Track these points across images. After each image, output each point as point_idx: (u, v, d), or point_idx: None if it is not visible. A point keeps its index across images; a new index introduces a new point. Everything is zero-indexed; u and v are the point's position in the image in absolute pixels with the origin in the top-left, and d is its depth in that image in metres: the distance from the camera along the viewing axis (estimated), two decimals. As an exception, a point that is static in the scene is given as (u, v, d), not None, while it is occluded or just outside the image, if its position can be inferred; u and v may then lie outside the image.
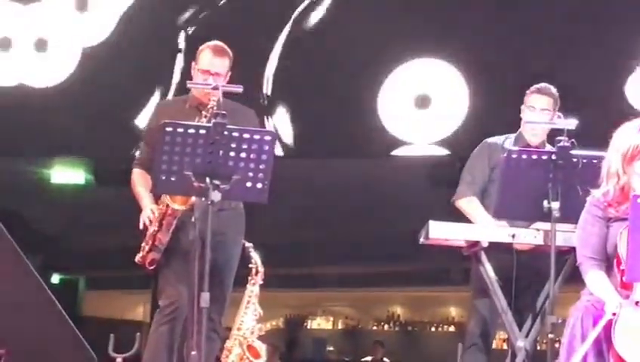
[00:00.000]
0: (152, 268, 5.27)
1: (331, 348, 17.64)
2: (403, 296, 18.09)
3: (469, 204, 5.55)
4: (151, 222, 5.21)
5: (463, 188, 5.62)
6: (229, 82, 5.31)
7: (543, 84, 5.64)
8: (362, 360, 15.40)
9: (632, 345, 4.08)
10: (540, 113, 5.53)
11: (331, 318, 18.95)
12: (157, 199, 5.24)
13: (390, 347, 15.91)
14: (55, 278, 13.84)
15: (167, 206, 5.15)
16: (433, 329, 18.28)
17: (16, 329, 4.00)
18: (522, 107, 5.64)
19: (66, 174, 10.06)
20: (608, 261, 4.34)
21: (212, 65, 5.32)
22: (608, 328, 4.15)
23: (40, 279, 4.13)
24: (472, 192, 5.57)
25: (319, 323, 18.98)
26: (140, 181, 5.37)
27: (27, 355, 3.99)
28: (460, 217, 5.59)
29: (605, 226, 4.36)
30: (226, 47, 5.45)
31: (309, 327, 18.91)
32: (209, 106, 5.04)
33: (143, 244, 5.28)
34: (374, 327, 18.51)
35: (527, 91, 5.64)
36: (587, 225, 4.41)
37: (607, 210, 4.37)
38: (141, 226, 5.24)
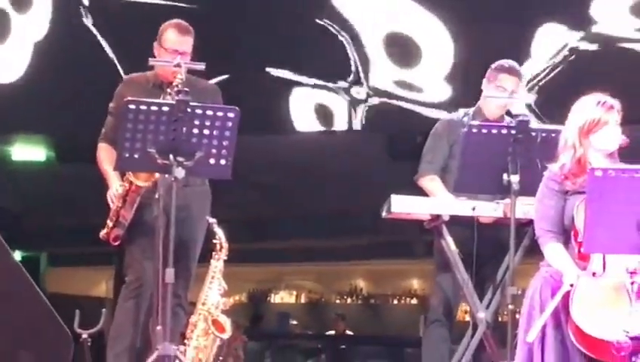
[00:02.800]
0: (116, 244, 5.28)
1: (295, 322, 17.67)
2: (365, 269, 18.15)
3: (430, 182, 5.61)
4: (114, 199, 5.23)
5: (425, 166, 5.67)
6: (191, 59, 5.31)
7: (510, 63, 5.64)
8: (326, 333, 15.49)
9: (589, 316, 4.16)
10: (507, 93, 5.56)
11: (294, 292, 18.99)
12: (123, 176, 5.25)
13: (353, 320, 15.99)
14: (17, 255, 13.79)
15: (131, 183, 5.16)
16: (396, 301, 18.37)
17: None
18: (485, 81, 5.67)
19: (27, 151, 10.02)
20: (566, 233, 4.42)
21: (179, 43, 5.31)
22: (566, 299, 4.22)
23: (16, 259, 4.15)
24: (433, 170, 5.63)
25: (282, 297, 19.02)
26: (106, 157, 5.36)
27: (3, 334, 4.01)
28: (420, 191, 5.66)
29: (562, 199, 4.43)
30: (188, 25, 5.44)
31: (272, 302, 18.95)
32: (174, 84, 5.00)
33: (107, 221, 5.29)
34: (337, 301, 18.57)
35: (493, 67, 5.64)
36: (544, 199, 4.48)
37: (564, 182, 4.44)
38: (110, 203, 5.25)
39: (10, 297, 4.07)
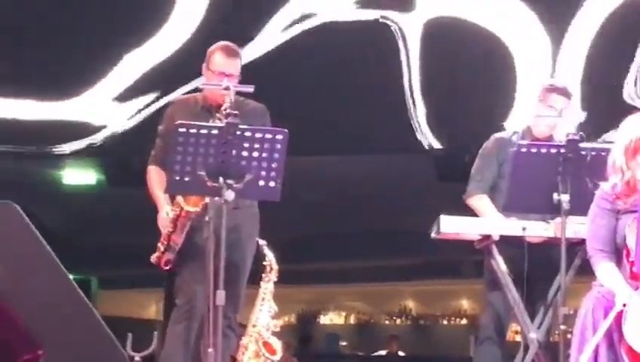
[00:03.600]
0: (167, 268, 5.32)
1: (344, 343, 17.66)
2: (414, 289, 18.11)
3: (479, 202, 5.59)
4: (165, 224, 5.26)
5: (473, 186, 5.66)
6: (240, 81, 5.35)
7: (561, 83, 5.67)
8: (375, 354, 15.45)
9: (643, 335, 4.12)
10: (556, 113, 5.55)
11: (343, 313, 18.99)
12: (173, 198, 5.29)
13: (403, 341, 15.94)
14: (68, 278, 13.88)
15: (181, 208, 5.20)
16: (445, 322, 18.30)
17: (52, 331, 4.07)
18: (536, 101, 5.67)
19: (78, 175, 10.13)
20: (618, 252, 4.39)
21: (226, 66, 5.35)
22: (619, 319, 4.19)
23: (72, 280, 4.20)
24: (482, 190, 5.61)
25: (331, 319, 19.03)
26: (156, 180, 5.40)
27: (63, 357, 4.06)
28: (469, 210, 5.64)
29: (614, 218, 4.40)
30: (236, 47, 5.49)
31: (321, 323, 18.95)
32: (223, 107, 5.03)
33: (158, 245, 5.33)
34: (386, 321, 18.54)
35: (544, 87, 5.65)
36: (596, 218, 4.45)
37: (615, 202, 4.41)
38: (161, 229, 5.28)
39: (69, 319, 4.11)
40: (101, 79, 8.71)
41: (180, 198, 5.18)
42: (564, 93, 5.59)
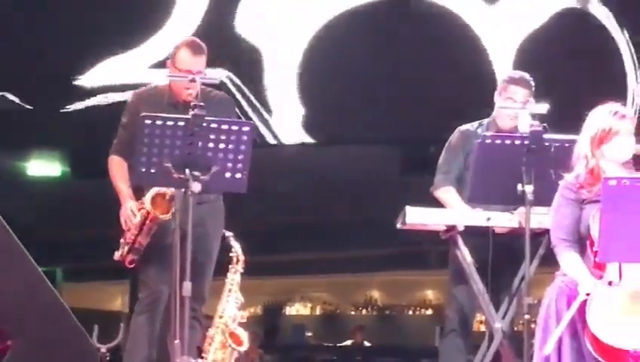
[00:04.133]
0: (131, 266, 5.31)
1: (310, 334, 17.67)
2: (380, 280, 18.14)
3: (446, 193, 5.62)
4: (130, 225, 5.23)
5: (440, 178, 5.68)
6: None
7: (520, 75, 5.67)
8: (341, 344, 15.48)
9: (606, 325, 4.16)
10: (520, 104, 5.58)
11: (309, 304, 19.00)
12: (136, 190, 5.26)
13: (368, 331, 15.97)
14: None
15: (149, 212, 5.17)
16: (410, 312, 18.36)
17: (20, 322, 4.06)
18: (496, 94, 5.70)
19: (43, 166, 10.07)
20: (582, 242, 4.43)
21: (192, 64, 5.29)
22: (583, 308, 4.23)
23: (42, 272, 4.20)
24: (449, 182, 5.64)
25: (298, 309, 19.02)
26: (118, 171, 5.37)
27: (31, 348, 4.05)
28: (434, 202, 5.67)
29: (578, 208, 4.43)
30: (201, 43, 5.44)
31: (287, 314, 18.95)
32: (192, 104, 4.95)
33: (122, 242, 5.30)
34: (352, 312, 18.56)
35: (504, 79, 5.67)
36: (560, 208, 4.48)
37: (579, 191, 4.45)
38: (123, 225, 5.26)
39: (38, 311, 4.11)
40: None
41: (147, 202, 5.15)
42: (523, 84, 5.62)
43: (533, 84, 5.66)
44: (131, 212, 5.22)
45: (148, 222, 5.17)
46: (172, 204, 5.05)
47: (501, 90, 5.65)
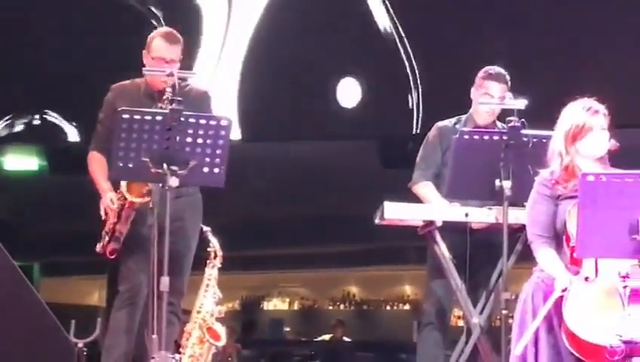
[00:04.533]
0: (112, 257, 5.29)
1: (288, 329, 17.69)
2: (358, 275, 18.19)
3: (424, 189, 5.62)
4: (110, 214, 5.23)
5: (418, 174, 5.69)
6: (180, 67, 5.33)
7: (496, 70, 5.67)
8: (319, 339, 15.49)
9: (583, 320, 4.17)
10: (497, 100, 5.59)
11: (287, 299, 19.02)
12: (115, 185, 5.26)
13: (346, 326, 16.01)
14: (9, 265, 13.72)
15: (125, 198, 5.17)
16: (388, 307, 18.41)
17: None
18: (473, 89, 5.70)
19: (19, 161, 10.02)
20: (558, 238, 4.44)
21: (166, 52, 5.32)
22: (559, 304, 4.24)
23: (18, 267, 4.18)
24: (427, 178, 5.65)
25: (275, 304, 19.04)
26: (98, 166, 5.37)
27: (7, 343, 4.04)
28: (412, 197, 5.68)
29: (554, 204, 4.44)
30: (176, 32, 5.45)
31: (265, 308, 18.96)
32: (164, 97, 4.99)
33: (103, 234, 5.29)
34: (330, 307, 18.60)
35: (480, 75, 5.66)
36: (536, 204, 4.49)
37: (554, 188, 4.46)
38: (102, 215, 5.26)
39: (13, 305, 4.09)
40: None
41: (123, 188, 5.15)
42: (499, 79, 5.63)
43: (508, 78, 5.67)
44: (111, 201, 5.21)
45: (126, 208, 5.17)
46: (146, 188, 5.03)
47: (477, 85, 5.66)
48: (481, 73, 5.68)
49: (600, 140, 4.46)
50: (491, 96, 5.57)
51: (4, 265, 4.16)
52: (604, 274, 4.26)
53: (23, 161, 10.03)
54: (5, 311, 4.09)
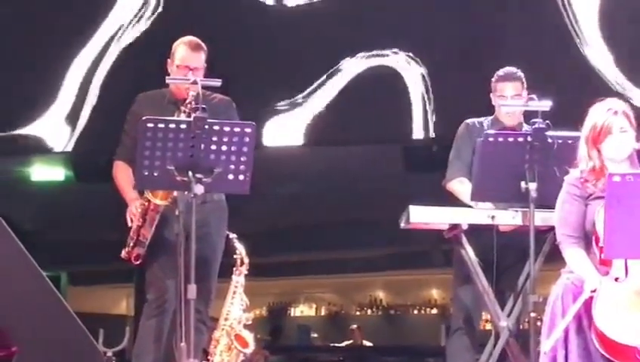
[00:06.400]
0: (137, 263, 5.31)
1: (315, 335, 17.67)
2: (384, 280, 18.15)
3: (460, 185, 5.56)
4: (134, 217, 5.26)
5: (453, 170, 5.64)
6: (205, 75, 5.35)
7: (506, 70, 5.66)
8: (347, 344, 15.47)
9: (613, 321, 4.15)
10: (512, 99, 5.58)
11: (314, 305, 19.01)
12: (141, 194, 5.28)
13: (374, 331, 15.98)
14: (37, 275, 13.77)
15: (149, 201, 5.20)
16: (416, 312, 18.36)
17: (25, 328, 4.07)
18: (491, 95, 5.69)
19: (46, 171, 10.08)
20: (587, 238, 4.42)
21: (190, 60, 5.36)
22: (589, 304, 4.22)
23: (46, 276, 4.21)
24: (462, 173, 5.60)
25: (302, 310, 19.04)
26: (123, 175, 5.41)
27: (37, 353, 4.06)
28: (438, 201, 5.66)
29: (583, 204, 4.42)
30: (200, 41, 5.49)
31: (292, 315, 18.97)
32: (187, 101, 5.07)
33: (127, 240, 5.32)
34: (357, 312, 18.58)
35: (493, 79, 5.67)
36: (565, 204, 4.47)
37: (584, 186, 4.43)
38: (129, 223, 5.28)
39: (43, 316, 4.12)
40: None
41: (148, 192, 5.17)
42: (510, 78, 5.61)
43: (521, 75, 5.64)
44: (135, 208, 5.24)
45: (150, 210, 5.19)
46: (171, 191, 5.05)
47: (493, 90, 5.67)
48: (494, 77, 5.68)
49: (619, 142, 4.42)
50: (505, 97, 5.56)
51: (33, 275, 4.18)
52: (634, 274, 4.25)
53: (50, 171, 10.08)
54: (35, 321, 4.11)
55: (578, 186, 4.44)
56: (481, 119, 5.75)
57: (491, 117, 5.73)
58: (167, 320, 5.31)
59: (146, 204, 5.20)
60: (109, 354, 5.34)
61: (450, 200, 5.60)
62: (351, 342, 15.09)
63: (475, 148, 5.47)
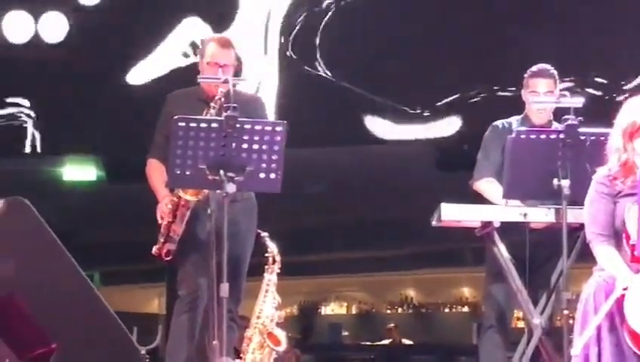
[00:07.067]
0: (167, 259, 5.33)
1: (346, 333, 17.68)
2: (415, 278, 18.14)
3: (488, 184, 5.55)
4: (164, 214, 5.28)
5: (481, 169, 5.63)
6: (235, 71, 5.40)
7: (539, 66, 5.65)
8: (379, 343, 15.46)
9: (645, 318, 4.14)
10: (544, 96, 5.56)
11: (345, 303, 19.02)
12: (172, 191, 5.30)
13: (404, 329, 15.97)
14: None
15: (180, 197, 5.22)
16: (447, 310, 18.33)
17: (65, 325, 4.11)
18: (523, 91, 5.67)
19: (78, 171, 10.13)
20: (617, 236, 4.39)
21: (220, 57, 5.38)
22: (621, 302, 4.20)
23: (84, 275, 4.24)
24: (490, 173, 5.58)
25: (333, 309, 19.06)
26: (155, 173, 5.43)
27: (75, 350, 4.10)
28: (469, 200, 5.64)
29: (612, 202, 4.40)
30: (229, 38, 5.53)
31: (323, 313, 18.99)
32: (216, 98, 5.11)
33: (158, 236, 5.35)
34: (388, 311, 18.57)
35: (526, 75, 5.65)
36: (594, 202, 4.45)
37: (613, 184, 4.41)
38: (159, 219, 5.31)
39: (82, 313, 4.15)
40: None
41: (178, 188, 5.20)
42: (543, 74, 5.59)
43: (554, 72, 5.62)
44: (165, 205, 5.27)
45: (181, 206, 5.21)
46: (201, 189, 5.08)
47: (525, 86, 5.65)
48: (526, 73, 5.66)
49: None
50: (537, 93, 5.55)
51: (70, 272, 4.22)
52: (666, 272, 4.22)
53: (82, 171, 10.13)
54: (72, 318, 4.15)
55: (606, 184, 4.42)
56: (510, 119, 5.73)
57: (520, 116, 5.71)
58: (198, 316, 5.33)
59: (177, 200, 5.23)
60: (143, 352, 5.36)
61: (477, 200, 5.59)
62: (390, 340, 15.09)
63: (504, 147, 5.46)
